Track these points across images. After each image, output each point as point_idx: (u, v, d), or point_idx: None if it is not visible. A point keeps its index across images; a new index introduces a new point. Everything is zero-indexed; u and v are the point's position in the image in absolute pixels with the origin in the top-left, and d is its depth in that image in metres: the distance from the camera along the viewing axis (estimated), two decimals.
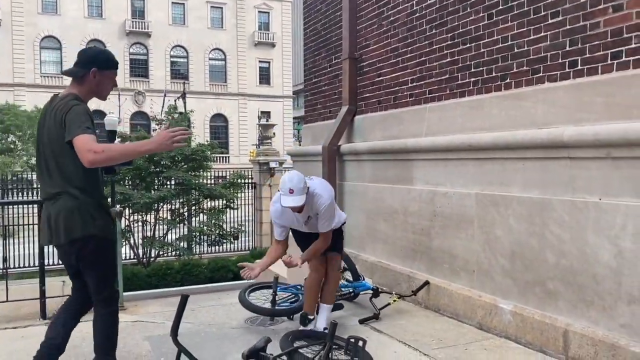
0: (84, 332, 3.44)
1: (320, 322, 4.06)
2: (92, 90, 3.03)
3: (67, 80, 2.91)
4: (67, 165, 2.85)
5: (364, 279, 5.06)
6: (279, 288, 4.69)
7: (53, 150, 2.88)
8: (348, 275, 5.15)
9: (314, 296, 4.13)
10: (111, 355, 3.10)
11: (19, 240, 13.36)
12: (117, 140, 13.52)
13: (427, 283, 4.80)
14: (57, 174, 2.88)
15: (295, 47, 45.94)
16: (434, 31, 4.96)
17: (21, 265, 13.76)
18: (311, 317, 4.06)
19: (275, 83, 47.80)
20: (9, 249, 9.54)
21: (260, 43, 47.15)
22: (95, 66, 2.98)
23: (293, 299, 4.73)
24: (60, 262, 3.13)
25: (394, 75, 5.57)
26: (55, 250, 3.02)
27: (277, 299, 4.58)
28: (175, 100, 31.17)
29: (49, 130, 2.89)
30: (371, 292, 4.80)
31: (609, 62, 3.40)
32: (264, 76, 47.89)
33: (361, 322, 4.42)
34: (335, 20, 6.69)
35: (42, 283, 4.82)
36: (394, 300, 4.71)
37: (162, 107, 30.56)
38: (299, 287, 4.82)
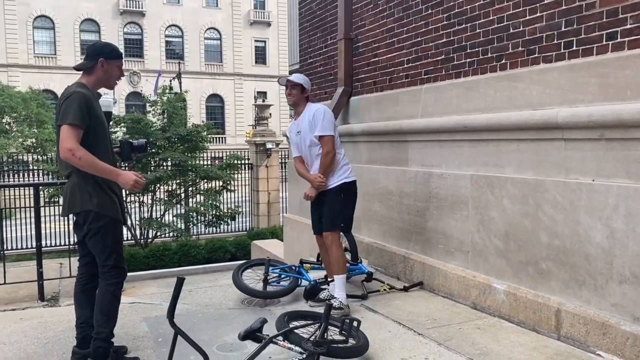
0: None
1: (334, 291, 4.30)
2: (101, 80, 3.30)
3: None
4: None
5: (361, 262, 5.11)
6: (270, 268, 4.75)
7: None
8: (348, 256, 5.20)
9: (327, 263, 4.53)
10: (105, 328, 3.16)
11: (15, 223, 13.37)
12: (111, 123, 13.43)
13: (420, 283, 4.85)
14: None
15: (291, 26, 45.48)
16: (429, 11, 4.93)
17: (18, 247, 13.78)
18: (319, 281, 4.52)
19: (271, 63, 47.44)
20: (5, 231, 9.55)
21: (255, 22, 46.69)
22: (102, 56, 3.24)
23: (284, 279, 4.79)
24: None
25: (389, 55, 5.54)
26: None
27: (268, 279, 4.65)
28: (170, 81, 30.94)
29: (57, 115, 3.17)
30: (365, 275, 4.87)
31: (604, 42, 3.39)
32: (260, 56, 47.51)
33: (348, 297, 4.50)
34: (331, 0, 6.63)
35: (40, 265, 4.86)
36: (384, 290, 4.76)
37: (155, 87, 30.33)
38: (294, 267, 4.88)
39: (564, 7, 3.65)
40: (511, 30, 4.07)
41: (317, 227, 4.50)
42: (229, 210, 14.77)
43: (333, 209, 4.32)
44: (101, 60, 3.23)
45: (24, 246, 13.56)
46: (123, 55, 3.44)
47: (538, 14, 3.84)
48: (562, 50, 3.67)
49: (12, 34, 38.88)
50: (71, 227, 3.53)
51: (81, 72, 3.29)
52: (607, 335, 3.27)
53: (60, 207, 3.53)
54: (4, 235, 6.09)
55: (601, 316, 3.33)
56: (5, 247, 5.78)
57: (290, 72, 7.53)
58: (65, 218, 3.65)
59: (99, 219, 3.15)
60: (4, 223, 6.12)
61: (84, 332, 3.26)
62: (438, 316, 4.14)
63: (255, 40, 47.10)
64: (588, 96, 3.47)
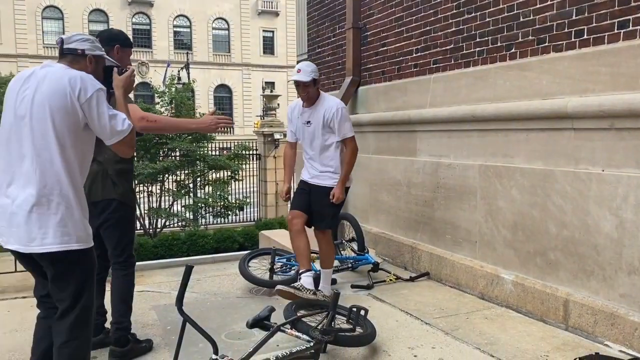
0: None
1: (322, 285, 4.27)
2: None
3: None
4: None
5: (367, 252, 5.11)
6: (277, 258, 4.77)
7: None
8: (354, 245, 5.21)
9: (297, 251, 4.26)
10: (126, 318, 3.26)
11: None
12: None
13: (427, 274, 4.85)
14: None
15: (300, 16, 45.28)
16: (438, 0, 4.88)
17: None
18: (301, 270, 4.17)
19: (279, 53, 47.31)
20: None
21: (263, 12, 46.53)
22: (118, 43, 3.24)
23: (290, 268, 4.81)
24: None
25: (398, 45, 5.51)
26: None
27: (275, 268, 4.67)
28: (179, 71, 30.95)
29: None
30: (371, 266, 4.88)
31: (616, 31, 3.36)
32: (268, 46, 47.38)
33: (352, 287, 4.60)
34: None
35: None
36: (390, 280, 4.77)
37: (164, 77, 30.36)
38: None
39: None
40: (521, 19, 4.03)
41: (303, 208, 4.26)
42: (237, 201, 14.80)
43: (335, 209, 4.29)
44: (117, 46, 3.22)
45: None
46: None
47: (549, 2, 3.80)
48: (573, 39, 3.64)
49: (21, 25, 39.01)
50: None
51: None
52: (615, 325, 3.26)
53: None
54: None
55: (609, 307, 3.32)
56: None
57: (298, 62, 7.45)
58: None
59: (121, 208, 3.17)
60: None
61: (95, 321, 3.29)
62: (445, 306, 4.14)
63: (263, 30, 46.96)
64: (599, 85, 3.44)
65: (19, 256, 2.44)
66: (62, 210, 2.32)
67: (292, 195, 4.52)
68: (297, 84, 4.14)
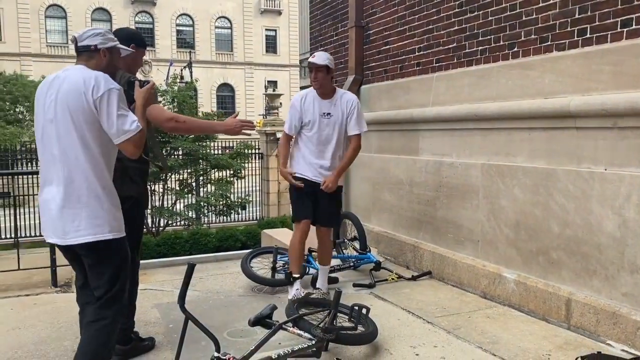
0: None
1: (319, 283, 4.30)
2: (128, 65, 3.25)
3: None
4: None
5: (369, 251, 5.11)
6: (279, 256, 4.78)
7: None
8: (357, 244, 5.21)
9: (299, 256, 4.23)
10: (130, 318, 3.25)
11: (29, 210, 13.52)
12: None
13: (429, 273, 4.85)
14: None
15: (302, 15, 45.35)
16: None
17: (32, 234, 13.94)
18: (296, 276, 4.20)
19: (281, 52, 47.29)
20: (20, 218, 9.68)
21: (266, 11, 46.51)
22: (134, 42, 3.26)
23: None
24: None
25: (400, 43, 5.51)
26: None
27: (277, 266, 4.67)
28: (181, 70, 30.98)
29: None
30: (373, 264, 4.88)
31: (619, 30, 3.35)
32: (271, 45, 47.37)
33: (354, 285, 4.59)
34: None
35: (53, 252, 4.91)
36: (392, 279, 4.77)
37: (167, 76, 30.39)
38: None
39: None
40: (524, 18, 4.02)
41: (310, 214, 4.23)
42: (239, 200, 14.82)
43: (339, 205, 4.39)
44: (133, 45, 3.22)
45: (38, 233, 13.72)
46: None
47: (551, 1, 3.80)
48: (576, 38, 3.63)
49: (24, 23, 39.07)
50: None
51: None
52: (617, 324, 3.26)
53: None
54: (18, 223, 6.17)
55: (612, 306, 3.32)
56: (19, 234, 5.88)
57: (312, 53, 7.43)
58: None
59: (136, 206, 3.20)
60: (18, 211, 6.20)
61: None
62: (447, 305, 4.14)
63: (266, 29, 46.95)
64: (601, 84, 3.44)
65: (61, 249, 2.62)
66: (92, 204, 2.48)
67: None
68: (310, 67, 4.16)
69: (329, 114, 4.16)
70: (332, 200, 4.26)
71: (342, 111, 4.18)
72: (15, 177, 14.31)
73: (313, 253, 4.91)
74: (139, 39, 3.36)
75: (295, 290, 4.13)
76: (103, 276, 2.57)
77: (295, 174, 4.22)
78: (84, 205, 2.47)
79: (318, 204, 4.22)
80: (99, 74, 2.51)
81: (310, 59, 4.18)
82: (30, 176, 15.27)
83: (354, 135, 4.21)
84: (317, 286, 4.34)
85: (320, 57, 4.16)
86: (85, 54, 2.64)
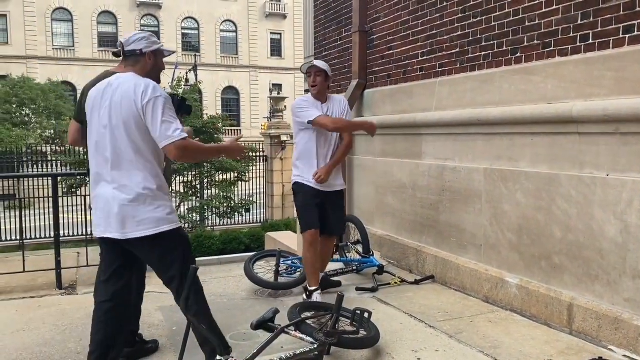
0: None
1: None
2: (148, 71, 3.21)
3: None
4: None
5: (372, 254, 5.13)
6: (282, 260, 4.80)
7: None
8: (360, 248, 5.22)
9: (316, 270, 4.25)
10: (136, 321, 3.30)
11: (34, 212, 13.59)
12: None
13: (432, 277, 4.86)
14: None
15: (307, 19, 45.35)
16: (444, 4, 4.90)
17: (37, 236, 14.02)
18: (313, 289, 4.22)
19: (286, 55, 47.39)
20: (25, 220, 9.74)
21: (271, 14, 46.64)
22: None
23: (295, 270, 4.83)
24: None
25: (404, 48, 5.53)
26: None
27: (280, 270, 4.69)
28: (186, 73, 31.08)
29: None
30: (376, 268, 4.90)
31: (621, 36, 3.36)
32: (276, 48, 47.48)
33: (357, 289, 4.61)
34: None
35: (58, 254, 4.95)
36: (395, 283, 4.78)
37: (172, 79, 30.48)
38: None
39: (580, 0, 3.62)
40: (527, 23, 4.04)
41: (319, 224, 4.24)
42: (242, 202, 14.85)
43: (344, 210, 4.51)
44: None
45: (43, 235, 13.80)
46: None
47: (554, 7, 3.81)
48: (578, 44, 3.64)
49: (31, 26, 39.31)
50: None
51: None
52: (619, 330, 3.26)
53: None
54: (24, 225, 6.21)
55: (614, 311, 3.32)
56: (24, 236, 5.92)
57: (316, 57, 7.46)
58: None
59: None
60: (23, 213, 6.25)
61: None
62: (450, 309, 4.15)
63: (271, 33, 47.07)
64: (604, 90, 3.45)
65: (112, 245, 2.75)
66: (149, 200, 2.67)
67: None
68: (310, 71, 4.30)
69: (327, 115, 4.27)
70: (340, 208, 4.39)
71: (337, 110, 4.33)
72: (21, 179, 14.39)
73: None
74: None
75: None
76: (172, 267, 2.75)
77: (305, 181, 4.23)
78: (142, 203, 2.66)
79: (326, 213, 4.26)
80: (148, 82, 2.68)
81: (314, 63, 4.34)
82: (35, 178, 15.37)
83: (345, 144, 4.40)
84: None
85: (320, 63, 4.37)
86: (132, 58, 2.82)
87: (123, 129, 2.65)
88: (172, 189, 14.20)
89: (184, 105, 3.19)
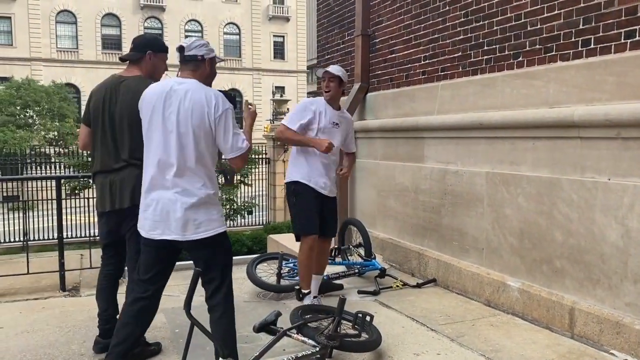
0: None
1: (315, 291, 4.31)
2: (149, 72, 3.32)
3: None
4: (134, 140, 3.13)
5: (374, 258, 5.14)
6: (284, 262, 4.81)
7: (130, 126, 3.14)
8: (362, 251, 5.24)
9: (310, 273, 4.25)
10: None
11: (38, 214, 13.64)
12: None
13: (433, 280, 4.88)
14: (128, 147, 3.17)
15: (310, 21, 45.47)
16: (447, 8, 4.92)
17: (40, 238, 14.06)
18: (306, 292, 4.24)
19: (289, 58, 47.47)
20: (28, 222, 9.79)
21: (274, 17, 46.73)
22: (151, 49, 3.32)
23: (297, 273, 4.84)
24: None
25: (406, 52, 5.55)
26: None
27: (282, 272, 4.71)
28: None
29: (126, 107, 3.15)
30: (378, 271, 4.91)
31: (622, 41, 3.37)
32: (279, 51, 47.55)
33: (359, 292, 4.62)
34: None
35: (62, 256, 4.98)
36: (397, 286, 4.79)
37: None
38: None
39: (582, 5, 3.63)
40: (528, 28, 4.06)
41: (318, 229, 4.25)
42: (245, 204, 14.86)
43: (337, 214, 4.55)
44: (149, 53, 3.30)
45: (46, 237, 13.84)
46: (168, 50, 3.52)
47: (556, 12, 3.83)
48: (580, 48, 3.66)
49: (35, 29, 39.44)
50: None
51: (127, 63, 3.37)
52: (620, 334, 3.27)
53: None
54: (27, 227, 6.25)
55: (615, 315, 3.33)
56: (28, 238, 5.95)
57: (319, 60, 7.51)
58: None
59: None
60: (27, 215, 6.28)
61: (109, 324, 3.35)
62: (451, 312, 4.16)
63: (274, 36, 47.15)
64: (605, 95, 3.46)
65: (162, 247, 2.82)
66: (207, 205, 2.78)
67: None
68: (324, 76, 4.28)
69: (337, 123, 4.28)
70: (335, 210, 4.45)
71: (346, 126, 4.40)
72: (25, 181, 14.45)
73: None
74: (156, 45, 3.38)
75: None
76: (216, 267, 2.86)
77: (311, 184, 4.20)
78: (202, 207, 2.76)
79: (324, 216, 4.29)
80: (217, 93, 2.81)
81: (328, 69, 4.31)
82: (39, 181, 15.42)
83: (352, 153, 4.62)
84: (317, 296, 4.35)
85: (335, 68, 4.31)
86: (192, 63, 2.86)
87: (192, 137, 2.72)
88: None
89: (234, 101, 3.24)
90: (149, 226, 2.80)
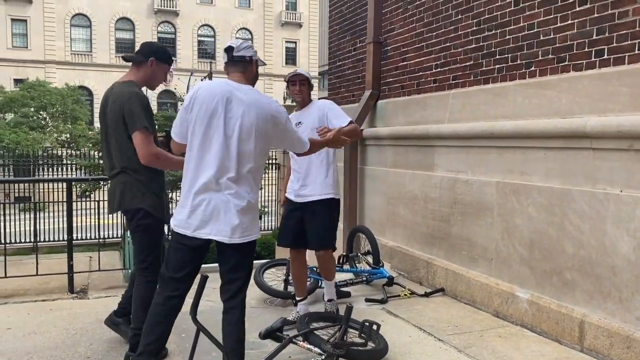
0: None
1: (326, 295, 4.28)
2: (146, 79, 3.38)
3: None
4: (128, 148, 3.20)
5: (383, 265, 5.11)
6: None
7: (115, 133, 3.23)
8: (370, 258, 5.21)
9: (299, 282, 4.22)
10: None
11: (48, 215, 13.73)
12: None
13: (442, 289, 4.84)
14: (118, 154, 3.25)
15: (322, 28, 45.60)
16: (459, 16, 4.91)
17: (50, 239, 14.14)
18: (299, 299, 4.21)
19: (301, 63, 47.55)
20: (39, 223, 9.85)
21: (287, 23, 46.93)
22: (154, 56, 3.36)
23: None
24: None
25: (418, 60, 5.54)
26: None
27: (289, 279, 4.69)
28: (202, 80, 31.33)
29: (111, 114, 3.23)
30: (386, 280, 4.88)
31: (636, 52, 3.34)
32: (290, 56, 47.71)
33: (367, 300, 4.60)
34: (361, 3, 6.65)
35: (70, 258, 5.00)
36: (405, 295, 4.77)
37: (188, 86, 30.75)
38: (315, 268, 4.91)
39: (596, 15, 3.61)
40: (541, 37, 4.03)
41: (295, 241, 4.08)
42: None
43: (331, 221, 4.08)
44: (152, 59, 3.34)
45: (56, 239, 13.92)
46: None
47: (569, 22, 3.80)
48: (593, 59, 3.63)
49: (50, 32, 39.91)
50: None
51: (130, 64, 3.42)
52: (631, 349, 3.22)
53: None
54: (38, 228, 6.29)
55: (626, 329, 3.28)
56: (38, 239, 5.99)
57: (330, 67, 7.47)
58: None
59: (147, 217, 3.27)
60: (37, 216, 6.33)
61: (124, 307, 3.59)
62: (459, 323, 4.13)
63: (286, 41, 47.33)
64: (618, 105, 3.42)
65: (198, 247, 2.81)
66: (253, 210, 2.83)
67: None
68: (294, 80, 4.06)
69: (299, 122, 4.01)
70: (319, 220, 4.00)
71: (315, 113, 4.01)
72: (37, 183, 14.56)
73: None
74: (161, 53, 3.42)
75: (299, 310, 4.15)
76: (242, 270, 2.86)
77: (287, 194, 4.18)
78: (249, 212, 2.79)
79: (303, 227, 4.04)
80: (276, 101, 2.93)
81: (297, 71, 4.13)
82: (50, 182, 15.53)
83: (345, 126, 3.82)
84: (327, 299, 4.32)
85: (304, 71, 4.19)
86: (241, 64, 2.88)
87: (253, 142, 2.75)
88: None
89: None
90: (196, 225, 2.75)
